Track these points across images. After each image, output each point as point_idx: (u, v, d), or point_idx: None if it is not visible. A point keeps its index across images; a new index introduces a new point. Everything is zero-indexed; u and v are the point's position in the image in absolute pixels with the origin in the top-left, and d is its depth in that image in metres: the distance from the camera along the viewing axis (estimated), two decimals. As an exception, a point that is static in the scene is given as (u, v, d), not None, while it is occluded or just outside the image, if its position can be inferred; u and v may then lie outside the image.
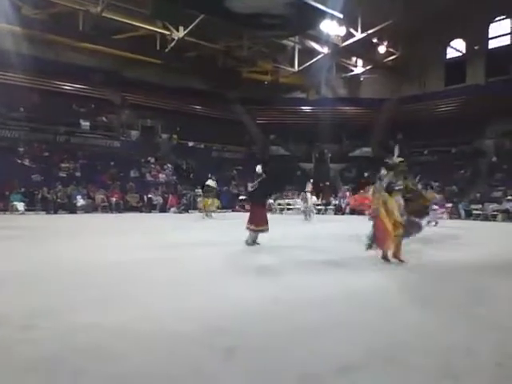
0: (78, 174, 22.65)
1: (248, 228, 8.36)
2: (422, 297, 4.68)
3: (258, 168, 8.72)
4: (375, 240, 6.31)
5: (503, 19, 29.17)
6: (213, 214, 17.91)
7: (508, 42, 28.83)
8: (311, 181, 19.78)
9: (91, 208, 20.37)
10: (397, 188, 6.31)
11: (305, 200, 18.18)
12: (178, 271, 5.82)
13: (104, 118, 27.18)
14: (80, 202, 20.12)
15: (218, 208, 20.00)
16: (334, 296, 4.57)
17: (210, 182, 18.09)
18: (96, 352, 2.87)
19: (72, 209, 19.59)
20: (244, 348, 3.00)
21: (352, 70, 34.10)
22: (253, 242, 8.36)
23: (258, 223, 8.32)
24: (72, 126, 25.01)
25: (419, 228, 6.51)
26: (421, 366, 2.77)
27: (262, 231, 8.35)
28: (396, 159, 6.73)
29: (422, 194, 7.65)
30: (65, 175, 22.06)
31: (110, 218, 17.96)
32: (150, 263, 6.32)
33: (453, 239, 10.83)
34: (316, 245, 9.04)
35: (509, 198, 20.01)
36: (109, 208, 20.90)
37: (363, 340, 3.20)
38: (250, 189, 8.74)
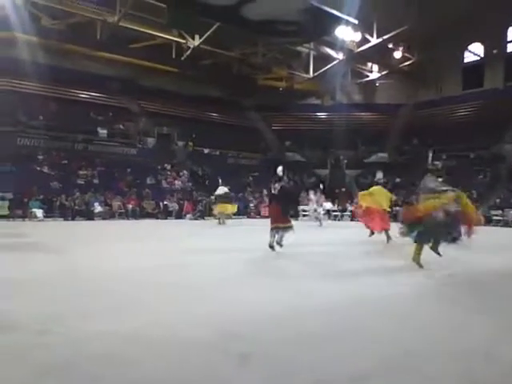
0: (95, 181, 22.92)
1: (274, 228, 8.28)
2: (436, 302, 4.60)
3: (279, 170, 8.63)
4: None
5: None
6: (226, 221, 17.45)
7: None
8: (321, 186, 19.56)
9: (108, 215, 20.58)
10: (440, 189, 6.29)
11: (311, 203, 17.96)
12: (193, 277, 5.81)
13: (121, 126, 27.48)
14: (97, 208, 20.33)
15: (236, 212, 19.61)
16: (347, 302, 4.52)
17: (224, 189, 17.65)
18: (110, 358, 2.86)
19: (89, 215, 19.82)
20: (259, 354, 2.97)
21: (367, 76, 33.97)
22: (280, 240, 8.32)
23: (283, 221, 8.29)
24: (90, 133, 25.33)
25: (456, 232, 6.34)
26: (437, 372, 2.70)
27: (289, 228, 8.30)
28: (433, 163, 6.95)
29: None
30: (83, 182, 22.35)
31: (127, 224, 18.10)
32: (165, 269, 6.33)
33: (469, 245, 10.59)
34: (329, 251, 8.97)
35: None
36: (125, 215, 21.08)
37: (377, 347, 3.14)
38: (273, 191, 8.68)
